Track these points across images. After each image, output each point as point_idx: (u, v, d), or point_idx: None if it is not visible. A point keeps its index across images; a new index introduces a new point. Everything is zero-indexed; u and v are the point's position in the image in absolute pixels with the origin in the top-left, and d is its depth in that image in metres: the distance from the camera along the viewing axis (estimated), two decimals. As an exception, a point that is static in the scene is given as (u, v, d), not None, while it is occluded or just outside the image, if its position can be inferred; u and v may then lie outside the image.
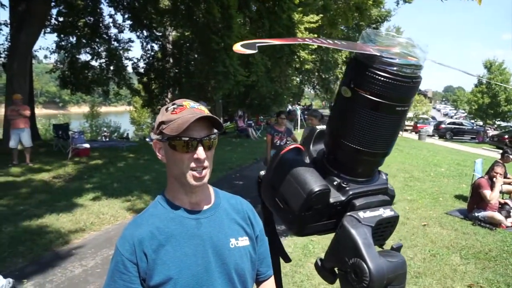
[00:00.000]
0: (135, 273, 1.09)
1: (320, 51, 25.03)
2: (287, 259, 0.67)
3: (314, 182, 0.50)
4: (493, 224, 5.79)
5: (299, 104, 38.82)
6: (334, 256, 0.51)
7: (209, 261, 1.13)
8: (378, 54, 0.43)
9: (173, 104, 1.14)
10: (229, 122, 27.09)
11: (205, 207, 1.20)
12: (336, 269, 0.52)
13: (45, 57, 15.99)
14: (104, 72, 15.23)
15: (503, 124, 33.07)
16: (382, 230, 0.51)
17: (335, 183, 0.52)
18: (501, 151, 7.31)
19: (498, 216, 5.85)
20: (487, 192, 5.84)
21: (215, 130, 1.15)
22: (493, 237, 5.41)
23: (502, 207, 6.20)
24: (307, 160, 0.56)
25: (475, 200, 6.10)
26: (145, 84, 16.76)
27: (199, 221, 1.16)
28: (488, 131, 29.54)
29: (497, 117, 31.06)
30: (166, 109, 1.13)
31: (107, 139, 22.21)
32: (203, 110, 1.12)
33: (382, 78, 0.44)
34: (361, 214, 0.50)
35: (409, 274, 4.10)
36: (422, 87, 0.48)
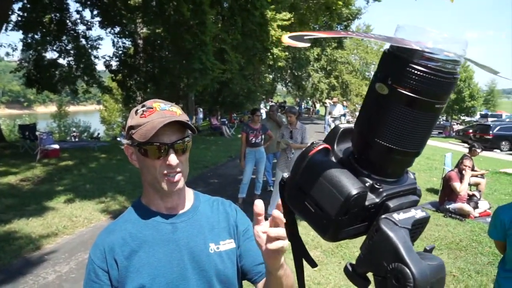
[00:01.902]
0: (106, 282, 1.04)
1: (292, 48, 25.18)
2: (313, 264, 0.65)
3: (351, 184, 0.48)
4: (462, 215, 6.02)
5: (271, 101, 38.98)
6: (369, 261, 0.49)
7: (185, 267, 1.07)
8: (420, 48, 0.42)
9: (143, 106, 1.07)
10: (202, 120, 26.87)
11: (182, 211, 1.15)
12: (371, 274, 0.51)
13: (7, 54, 15.12)
14: (73, 70, 14.70)
15: (468, 119, 34.50)
16: (414, 231, 0.50)
17: (367, 184, 0.50)
18: (466, 144, 7.61)
19: (467, 207, 6.09)
20: (457, 185, 6.06)
21: (189, 132, 1.09)
22: (463, 228, 5.63)
23: (470, 198, 6.46)
24: (334, 160, 0.54)
25: (446, 192, 6.32)
26: (120, 82, 16.26)
27: (174, 226, 1.11)
28: (453, 126, 30.72)
29: (462, 112, 32.42)
30: (136, 112, 1.07)
31: (77, 139, 21.52)
32: (174, 111, 1.06)
33: (424, 74, 0.42)
34: (396, 216, 0.49)
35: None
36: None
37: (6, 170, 8.38)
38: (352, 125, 0.55)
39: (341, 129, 0.56)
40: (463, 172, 6.14)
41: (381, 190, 0.50)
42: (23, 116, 42.43)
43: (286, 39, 0.42)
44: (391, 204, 0.50)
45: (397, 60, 0.44)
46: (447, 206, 6.18)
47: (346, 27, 35.01)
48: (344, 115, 22.24)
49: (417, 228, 0.51)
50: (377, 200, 0.50)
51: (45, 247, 4.70)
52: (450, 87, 0.44)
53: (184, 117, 1.07)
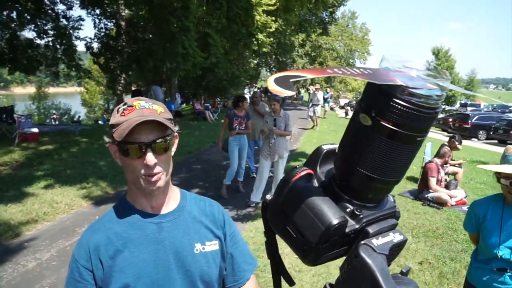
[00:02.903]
0: (91, 281, 1.04)
1: (277, 34, 25.01)
2: (291, 282, 0.67)
3: (332, 214, 0.50)
4: (440, 203, 6.20)
5: (255, 86, 38.88)
6: (348, 285, 0.51)
7: (170, 268, 1.07)
8: (404, 84, 0.43)
9: (124, 104, 1.05)
10: (184, 104, 26.60)
11: (168, 210, 1.14)
12: None
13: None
14: (51, 52, 14.17)
15: (447, 108, 35.19)
16: (391, 254, 0.52)
17: (348, 210, 0.52)
18: (446, 133, 7.77)
19: (444, 196, 6.27)
20: (433, 179, 6.24)
21: (173, 128, 1.06)
22: (440, 216, 5.80)
23: (447, 187, 6.64)
24: (316, 184, 0.55)
25: (425, 182, 6.48)
26: (102, 65, 15.74)
27: (160, 225, 1.10)
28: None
29: (443, 101, 33.05)
30: (118, 110, 1.05)
31: (57, 123, 21.04)
32: (154, 109, 1.03)
33: (407, 110, 0.44)
34: (375, 241, 0.51)
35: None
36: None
37: (-17, 154, 8.17)
38: (335, 146, 0.56)
39: (324, 151, 0.57)
40: (447, 164, 6.33)
41: (361, 216, 0.52)
42: (-1, 97, 41.09)
43: (272, 84, 0.40)
44: (371, 230, 0.52)
45: (381, 93, 0.45)
46: (426, 195, 6.35)
47: (332, 14, 34.97)
48: (327, 101, 22.32)
49: (394, 251, 0.53)
50: (357, 226, 0.52)
51: (25, 234, 4.64)
52: (431, 121, 0.46)
53: (165, 115, 1.05)
